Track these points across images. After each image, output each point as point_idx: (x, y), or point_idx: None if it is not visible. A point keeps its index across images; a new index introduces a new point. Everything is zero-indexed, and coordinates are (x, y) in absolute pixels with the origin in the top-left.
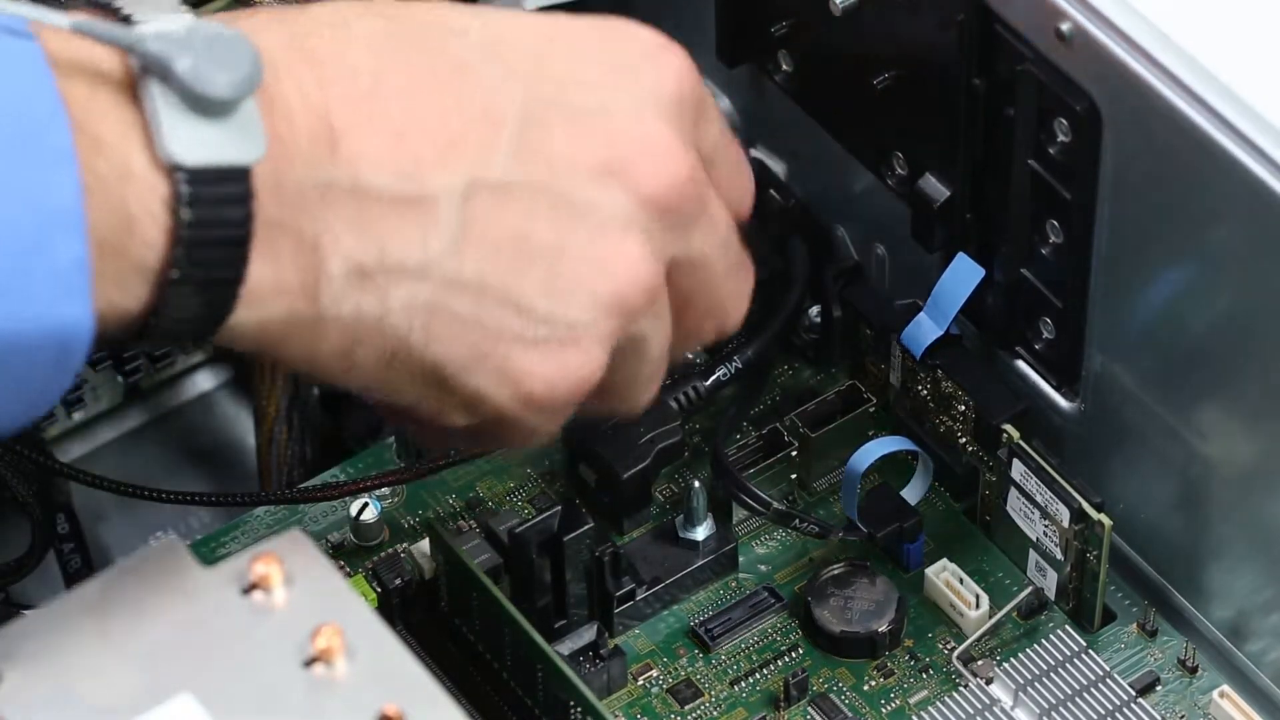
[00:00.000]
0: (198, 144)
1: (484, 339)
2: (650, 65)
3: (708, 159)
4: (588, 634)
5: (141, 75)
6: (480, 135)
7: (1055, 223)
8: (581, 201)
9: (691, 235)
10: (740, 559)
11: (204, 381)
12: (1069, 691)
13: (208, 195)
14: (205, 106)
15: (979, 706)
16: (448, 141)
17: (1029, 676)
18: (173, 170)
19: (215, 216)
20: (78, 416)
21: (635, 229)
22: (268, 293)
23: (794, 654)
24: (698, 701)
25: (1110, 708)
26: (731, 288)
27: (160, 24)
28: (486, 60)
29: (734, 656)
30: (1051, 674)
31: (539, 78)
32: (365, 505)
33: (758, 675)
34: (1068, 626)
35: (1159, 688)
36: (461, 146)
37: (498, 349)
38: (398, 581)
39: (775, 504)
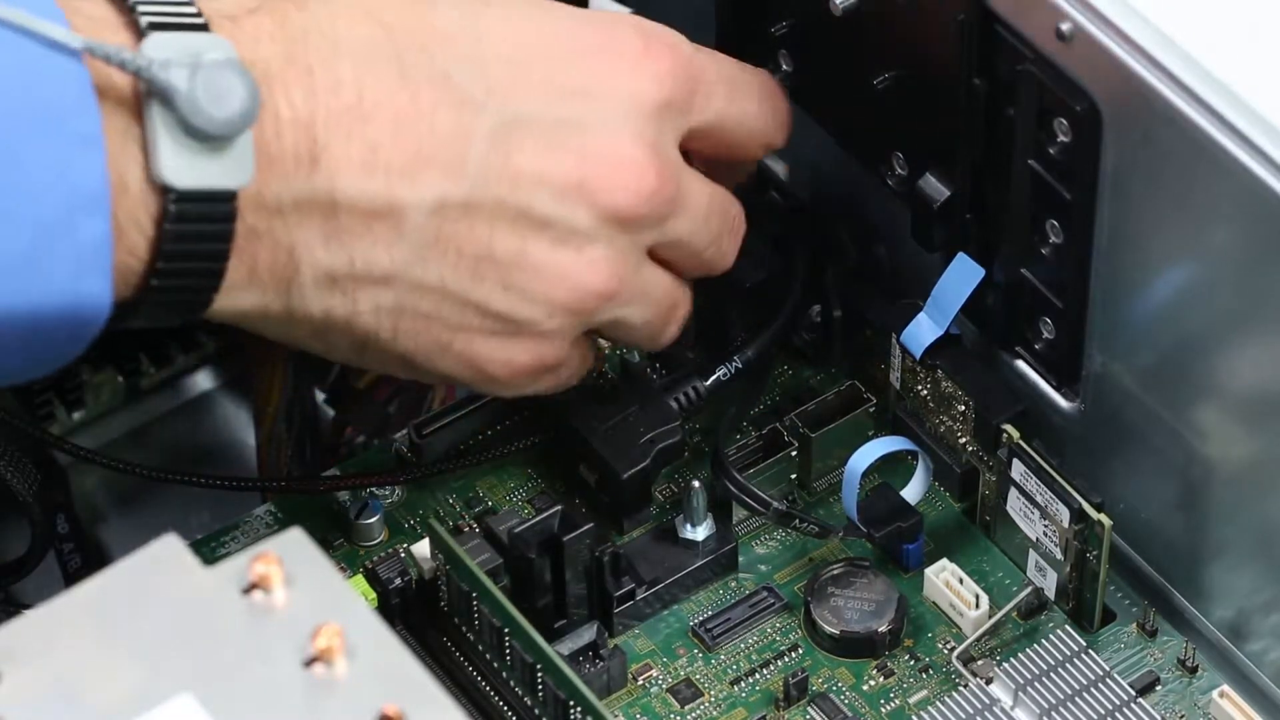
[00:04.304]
0: (190, 169)
1: (446, 333)
2: (631, 75)
3: (708, 130)
4: (588, 634)
5: (146, 95)
6: (451, 152)
7: (1055, 223)
8: (544, 216)
9: (665, 228)
10: (740, 559)
11: (204, 381)
12: (1069, 691)
13: (194, 214)
14: (202, 137)
15: (979, 706)
16: (419, 157)
17: (1029, 676)
18: (164, 190)
19: (198, 232)
20: (78, 416)
21: (598, 242)
22: (240, 290)
23: (794, 654)
24: (698, 701)
25: (1110, 708)
26: (713, 253)
27: (168, 47)
28: (466, 72)
29: (734, 656)
30: (1051, 674)
31: (517, 90)
32: (365, 505)
33: (758, 675)
34: (1068, 626)
35: (1159, 688)
36: (432, 162)
37: (458, 341)
38: (398, 581)
39: (775, 504)
